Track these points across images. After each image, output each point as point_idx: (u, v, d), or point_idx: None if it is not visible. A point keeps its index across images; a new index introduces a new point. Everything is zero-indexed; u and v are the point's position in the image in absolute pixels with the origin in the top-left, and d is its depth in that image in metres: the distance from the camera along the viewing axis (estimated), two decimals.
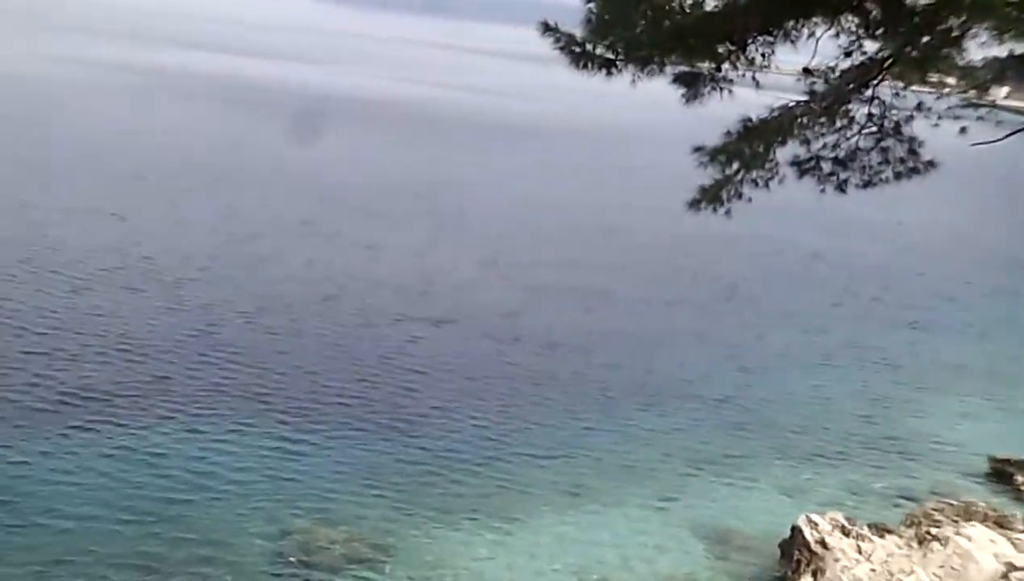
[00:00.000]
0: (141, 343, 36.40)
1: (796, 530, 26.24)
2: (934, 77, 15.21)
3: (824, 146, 16.08)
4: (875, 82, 15.29)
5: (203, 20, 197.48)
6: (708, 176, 15.67)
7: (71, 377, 32.79)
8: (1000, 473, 33.55)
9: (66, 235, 48.36)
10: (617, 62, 14.65)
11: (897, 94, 15.63)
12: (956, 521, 27.19)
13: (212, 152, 76.65)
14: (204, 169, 69.31)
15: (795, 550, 25.88)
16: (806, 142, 15.98)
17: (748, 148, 15.33)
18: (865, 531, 26.17)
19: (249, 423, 31.36)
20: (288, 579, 23.89)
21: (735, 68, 15.02)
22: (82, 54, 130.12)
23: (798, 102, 15.46)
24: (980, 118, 16.48)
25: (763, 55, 15.00)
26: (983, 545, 25.45)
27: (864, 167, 16.27)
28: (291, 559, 24.54)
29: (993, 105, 16.87)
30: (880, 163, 16.19)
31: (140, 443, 29.23)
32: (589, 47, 14.55)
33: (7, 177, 59.24)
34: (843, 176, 16.34)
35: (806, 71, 15.51)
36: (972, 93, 16.01)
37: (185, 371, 34.57)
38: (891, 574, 24.51)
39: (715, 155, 15.39)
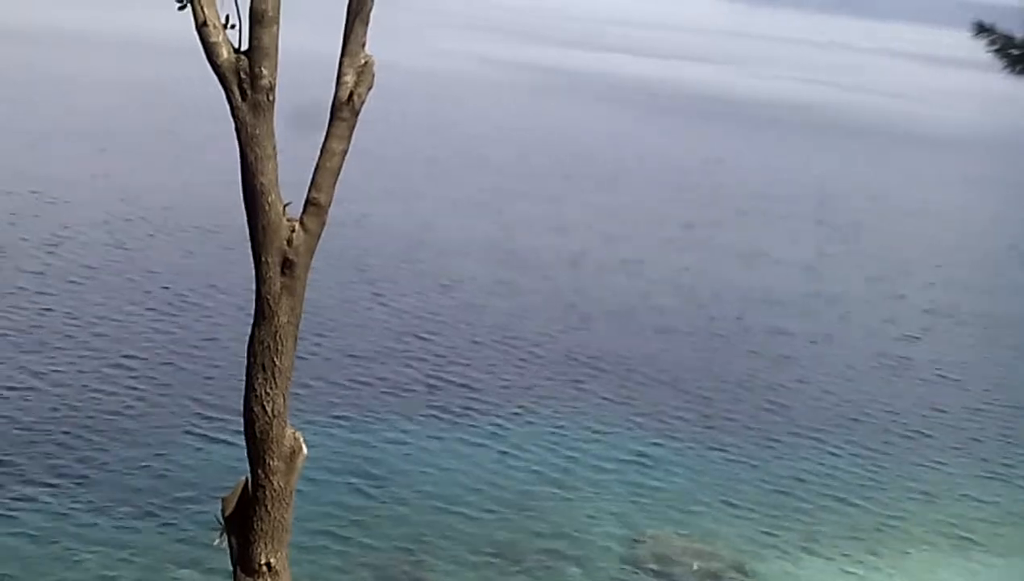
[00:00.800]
0: (510, 337, 38.46)
1: None
2: None
3: None
4: None
5: (603, 22, 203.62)
6: None
7: (443, 366, 35.26)
8: None
9: (446, 229, 51.67)
10: None
11: None
12: None
13: (599, 151, 78.79)
14: (589, 167, 71.55)
15: None
16: None
17: None
18: None
19: (609, 424, 32.43)
20: None
21: None
22: (473, 50, 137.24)
23: None
24: None
25: None
26: None
27: None
28: (643, 565, 25.22)
29: None
30: None
31: (502, 435, 31.06)
32: None
33: (398, 170, 63.75)
34: None
35: None
36: None
37: (549, 368, 36.22)
38: None
39: None
